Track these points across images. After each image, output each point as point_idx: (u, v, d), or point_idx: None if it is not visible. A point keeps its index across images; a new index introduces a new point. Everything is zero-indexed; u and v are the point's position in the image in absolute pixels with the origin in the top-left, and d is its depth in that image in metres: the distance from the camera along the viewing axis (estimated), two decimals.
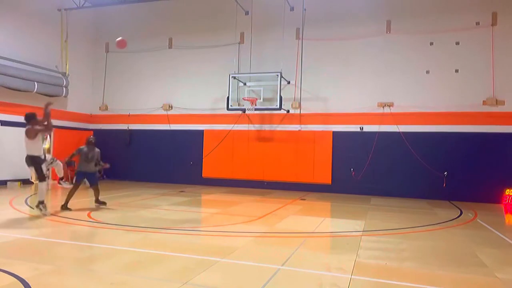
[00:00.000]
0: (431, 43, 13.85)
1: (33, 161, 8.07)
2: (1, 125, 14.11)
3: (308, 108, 15.06)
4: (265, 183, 15.26)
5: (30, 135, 8.01)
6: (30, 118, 8.30)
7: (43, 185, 8.19)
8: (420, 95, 13.81)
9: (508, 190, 12.47)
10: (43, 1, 15.80)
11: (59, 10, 16.36)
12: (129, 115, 17.62)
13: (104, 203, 9.79)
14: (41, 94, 15.32)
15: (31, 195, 11.99)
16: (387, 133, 14.03)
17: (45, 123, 8.22)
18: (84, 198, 12.15)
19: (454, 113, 13.41)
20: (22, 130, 14.58)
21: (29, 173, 15.43)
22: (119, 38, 9.52)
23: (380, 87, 14.29)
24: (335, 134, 14.66)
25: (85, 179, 9.78)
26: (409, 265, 5.44)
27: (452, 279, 4.88)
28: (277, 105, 13.92)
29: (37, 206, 8.26)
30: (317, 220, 8.95)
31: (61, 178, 9.31)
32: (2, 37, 14.19)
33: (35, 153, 8.07)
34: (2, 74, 13.53)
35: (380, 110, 14.26)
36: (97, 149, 9.85)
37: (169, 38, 17.24)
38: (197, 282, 4.44)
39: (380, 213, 10.13)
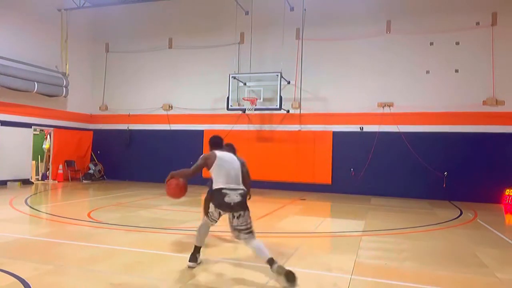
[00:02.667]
0: (431, 43, 13.85)
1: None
2: (1, 125, 14.11)
3: (308, 108, 15.05)
4: (265, 183, 15.24)
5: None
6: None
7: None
8: (420, 95, 13.80)
9: (508, 190, 12.47)
10: (43, 1, 15.80)
11: (59, 10, 16.36)
12: (129, 115, 17.61)
13: None
14: (41, 94, 15.34)
15: (31, 195, 12.00)
16: (387, 133, 14.03)
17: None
18: (83, 198, 12.17)
19: (454, 113, 13.40)
20: (22, 130, 14.85)
21: (29, 173, 15.50)
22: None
23: (380, 87, 14.29)
24: (335, 134, 14.66)
25: None
26: (409, 265, 5.44)
27: (452, 279, 4.87)
28: (277, 105, 13.92)
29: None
30: (317, 220, 8.94)
31: None
32: (2, 37, 14.19)
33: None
34: (2, 74, 13.53)
35: (380, 110, 14.26)
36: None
37: (169, 38, 17.24)
38: (197, 282, 4.44)
39: (380, 213, 10.12)
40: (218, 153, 4.90)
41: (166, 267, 4.96)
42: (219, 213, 4.77)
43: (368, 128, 14.33)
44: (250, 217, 4.77)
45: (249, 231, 4.69)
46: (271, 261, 4.45)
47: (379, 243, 6.72)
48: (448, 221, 9.22)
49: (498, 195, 12.57)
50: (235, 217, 4.66)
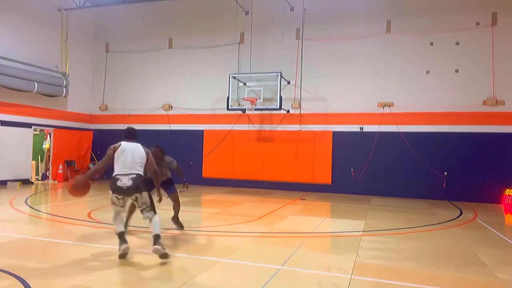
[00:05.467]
0: (431, 43, 13.85)
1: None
2: (1, 125, 14.11)
3: (308, 108, 15.06)
4: (265, 183, 15.26)
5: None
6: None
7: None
8: (420, 95, 13.80)
9: (508, 190, 12.47)
10: (43, 1, 15.80)
11: (59, 10, 16.37)
12: (129, 115, 17.61)
13: (181, 226, 7.32)
14: (41, 94, 15.34)
15: (31, 195, 11.99)
16: (387, 133, 14.03)
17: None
18: (83, 198, 12.15)
19: (454, 113, 13.40)
20: (22, 130, 14.85)
21: (29, 173, 15.50)
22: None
23: (380, 87, 14.29)
24: (335, 134, 14.66)
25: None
26: (409, 265, 5.44)
27: (452, 279, 4.88)
28: (277, 105, 13.92)
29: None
30: (317, 220, 8.94)
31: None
32: (2, 37, 14.18)
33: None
34: (2, 74, 13.52)
35: (380, 110, 14.26)
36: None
37: (169, 38, 17.23)
38: (197, 282, 4.44)
39: (380, 213, 10.12)
40: (123, 143, 5.38)
41: (166, 267, 4.96)
42: (116, 197, 5.20)
43: (368, 128, 14.33)
44: (149, 197, 5.29)
45: (150, 209, 5.25)
46: (156, 237, 4.99)
47: (379, 243, 6.73)
48: (448, 221, 9.22)
49: (498, 195, 12.57)
50: (134, 200, 5.24)
